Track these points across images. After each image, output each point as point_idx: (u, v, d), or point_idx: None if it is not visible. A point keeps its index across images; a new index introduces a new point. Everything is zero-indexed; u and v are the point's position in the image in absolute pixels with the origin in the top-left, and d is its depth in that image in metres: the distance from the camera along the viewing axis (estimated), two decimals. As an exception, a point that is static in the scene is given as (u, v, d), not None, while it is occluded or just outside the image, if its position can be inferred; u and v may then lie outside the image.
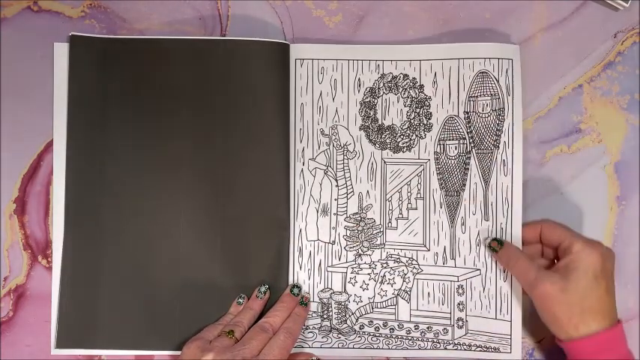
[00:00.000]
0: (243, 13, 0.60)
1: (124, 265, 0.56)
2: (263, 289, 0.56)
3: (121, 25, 0.59)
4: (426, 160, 0.58)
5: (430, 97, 0.58)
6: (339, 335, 0.58)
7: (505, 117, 0.57)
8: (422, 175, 0.58)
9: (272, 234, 0.57)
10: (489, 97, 0.57)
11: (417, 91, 0.58)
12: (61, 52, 0.58)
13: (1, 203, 0.58)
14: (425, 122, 0.58)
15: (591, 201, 0.59)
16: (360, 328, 0.58)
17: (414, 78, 0.58)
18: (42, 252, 0.58)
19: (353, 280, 0.58)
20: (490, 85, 0.57)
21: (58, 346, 0.56)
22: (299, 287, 0.57)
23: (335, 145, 0.58)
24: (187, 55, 0.57)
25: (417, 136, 0.58)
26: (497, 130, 0.57)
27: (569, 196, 0.59)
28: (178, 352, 0.54)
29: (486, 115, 0.57)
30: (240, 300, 0.56)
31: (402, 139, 0.58)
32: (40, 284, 0.58)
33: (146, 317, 0.56)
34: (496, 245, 0.56)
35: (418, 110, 0.58)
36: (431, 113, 0.58)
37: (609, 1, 0.59)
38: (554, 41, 0.60)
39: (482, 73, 0.57)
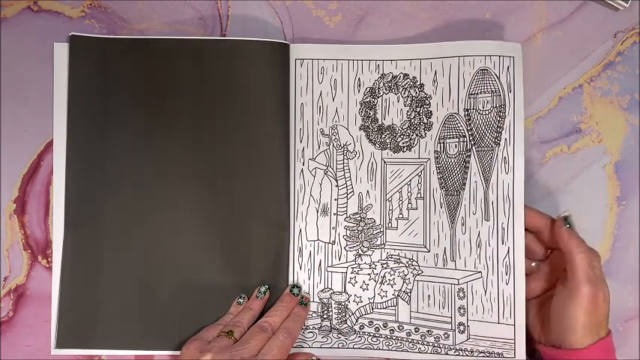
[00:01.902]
0: (243, 13, 0.60)
1: (124, 265, 0.56)
2: (263, 289, 0.56)
3: (121, 25, 0.59)
4: (426, 160, 0.58)
5: (430, 96, 0.58)
6: (339, 335, 0.57)
7: (506, 114, 0.57)
8: (422, 175, 0.58)
9: (272, 234, 0.57)
10: (490, 95, 0.57)
11: (417, 90, 0.58)
12: (61, 52, 0.58)
13: (1, 203, 0.58)
14: (425, 121, 0.58)
15: (591, 201, 0.59)
16: (360, 329, 0.57)
17: (414, 77, 0.58)
18: (42, 252, 0.58)
19: (353, 281, 0.58)
20: (491, 82, 0.57)
21: (58, 346, 0.56)
22: (299, 287, 0.56)
23: (335, 145, 0.58)
24: (187, 55, 0.57)
25: (417, 135, 0.58)
26: (498, 127, 0.57)
27: (569, 196, 0.59)
28: (178, 352, 0.54)
29: (487, 113, 0.57)
30: (240, 300, 0.56)
31: (402, 138, 0.58)
32: (40, 284, 0.58)
33: (146, 317, 0.56)
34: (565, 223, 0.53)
35: (418, 109, 0.58)
36: (431, 112, 0.58)
37: (609, 1, 0.59)
38: (554, 41, 0.60)
39: (483, 70, 0.57)
